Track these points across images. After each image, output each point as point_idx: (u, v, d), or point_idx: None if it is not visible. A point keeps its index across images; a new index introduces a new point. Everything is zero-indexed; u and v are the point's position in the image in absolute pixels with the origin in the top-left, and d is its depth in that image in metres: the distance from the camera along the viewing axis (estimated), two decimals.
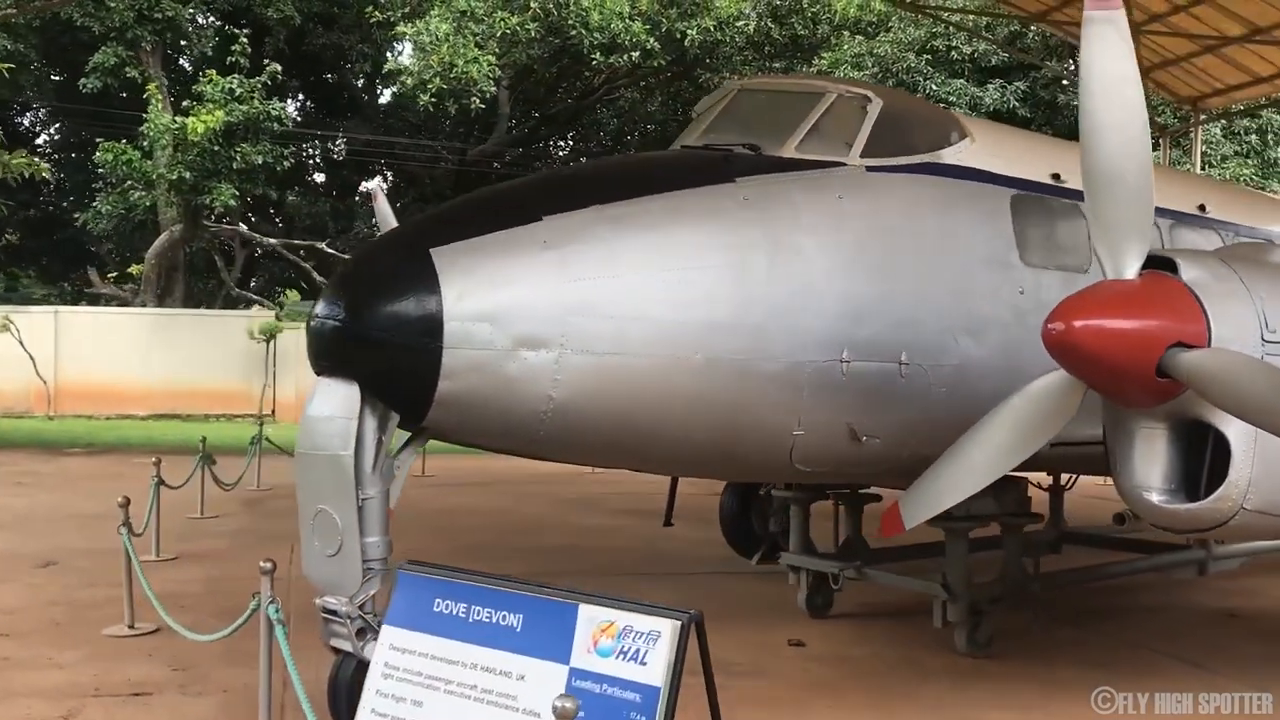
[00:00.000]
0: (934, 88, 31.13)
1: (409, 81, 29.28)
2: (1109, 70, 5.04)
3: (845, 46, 32.83)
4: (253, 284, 42.88)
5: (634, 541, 12.97)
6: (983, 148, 7.70)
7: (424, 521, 13.82)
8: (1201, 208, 8.77)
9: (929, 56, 31.63)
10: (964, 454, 5.60)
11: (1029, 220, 7.74)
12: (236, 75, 29.23)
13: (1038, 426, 5.35)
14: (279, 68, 29.34)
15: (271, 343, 31.09)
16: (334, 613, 5.68)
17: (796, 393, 6.47)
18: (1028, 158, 8.12)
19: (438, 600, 5.05)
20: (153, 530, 11.09)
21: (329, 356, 5.63)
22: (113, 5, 30.84)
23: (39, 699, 6.62)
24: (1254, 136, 32.07)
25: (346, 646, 5.67)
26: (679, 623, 4.30)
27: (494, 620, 4.83)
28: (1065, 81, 32.49)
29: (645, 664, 4.31)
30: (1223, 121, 30.29)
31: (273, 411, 31.42)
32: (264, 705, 5.89)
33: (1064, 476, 11.19)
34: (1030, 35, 31.13)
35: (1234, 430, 5.02)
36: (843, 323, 6.59)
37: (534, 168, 44.26)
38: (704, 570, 10.99)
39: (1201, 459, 5.23)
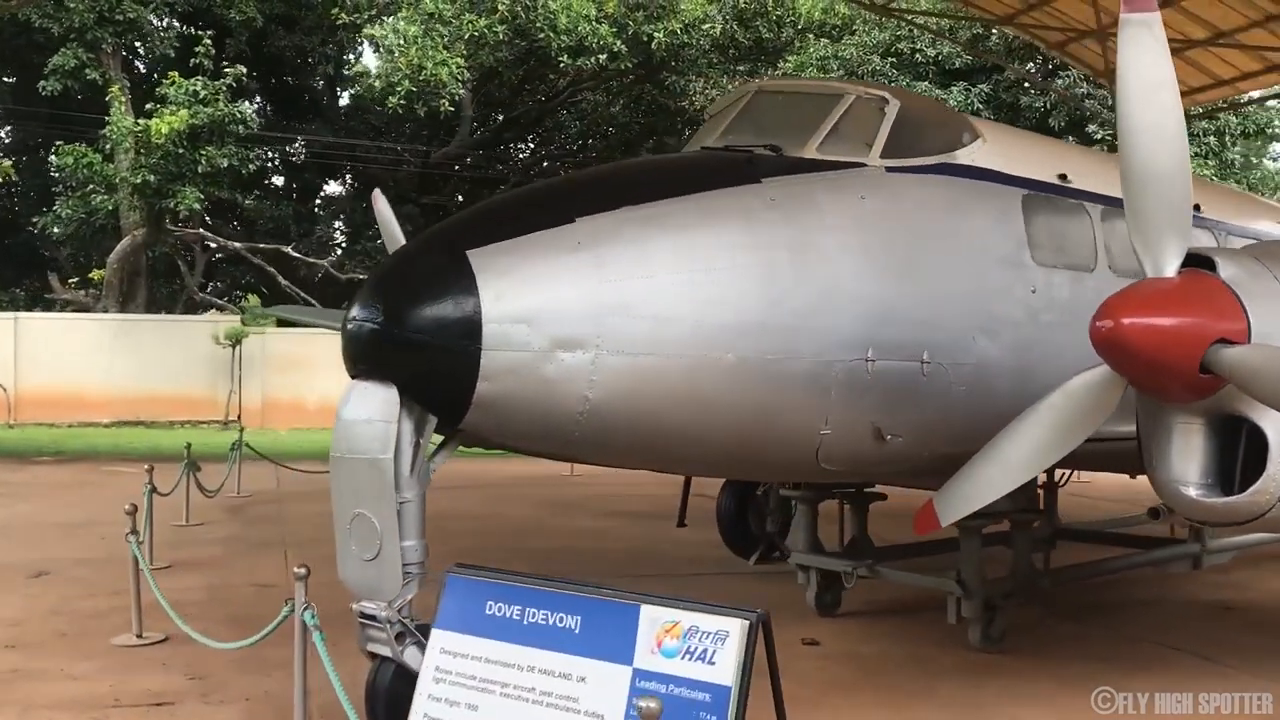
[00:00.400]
0: None
1: (376, 84, 29.09)
2: (1146, 73, 5.12)
3: (811, 49, 33.04)
4: (210, 289, 42.35)
5: (628, 543, 12.98)
6: (993, 148, 7.79)
7: (441, 525, 13.71)
8: (1197, 207, 8.90)
9: (894, 59, 31.95)
10: (1001, 451, 5.65)
11: (1038, 220, 7.84)
12: (200, 77, 28.90)
13: (1077, 423, 5.41)
14: (244, 70, 29.03)
15: (237, 348, 30.77)
16: (372, 617, 5.62)
17: (824, 392, 6.50)
18: (1036, 158, 8.23)
19: (490, 603, 5.03)
20: (145, 538, 10.96)
21: (367, 359, 5.58)
22: (72, 6, 30.37)
23: (61, 711, 6.52)
24: (1211, 138, 32.68)
25: (385, 651, 5.61)
26: (748, 622, 4.31)
27: (551, 622, 4.82)
28: (1026, 84, 32.97)
29: (714, 664, 4.32)
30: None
31: (239, 417, 31.09)
32: (299, 713, 5.85)
33: (1057, 473, 11.34)
34: (993, 38, 31.48)
35: (1272, 425, 5.13)
36: (868, 322, 6.63)
37: (496, 171, 44.23)
38: (704, 571, 11.01)
39: (1235, 453, 5.33)
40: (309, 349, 32.50)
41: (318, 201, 43.16)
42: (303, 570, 5.87)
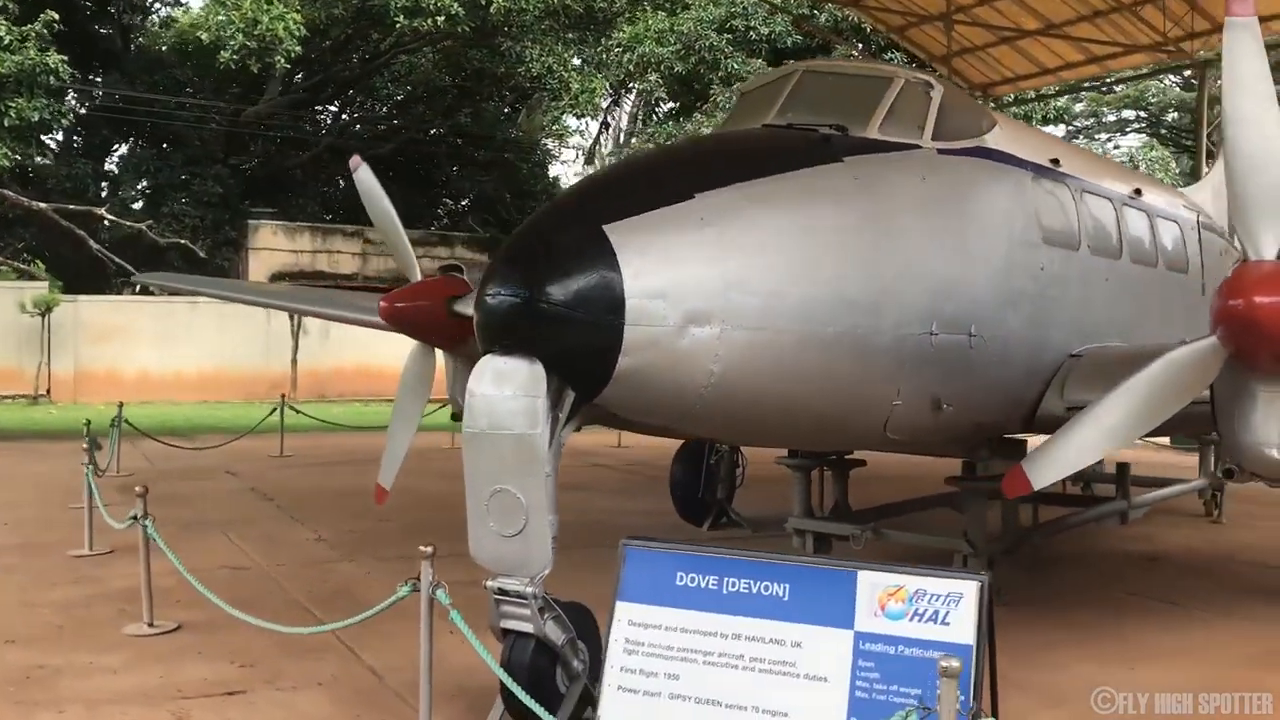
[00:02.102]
0: (735, 66, 32.17)
1: (204, 37, 27.51)
2: (1249, 69, 5.59)
3: (649, 21, 33.31)
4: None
5: (577, 515, 12.94)
6: (1004, 133, 8.27)
7: (342, 504, 13.35)
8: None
9: (729, 35, 32.61)
10: (1099, 418, 6.03)
11: (1043, 201, 8.37)
12: (2, 21, 26.62)
13: (1179, 390, 5.87)
14: (56, 16, 26.90)
15: (46, 317, 28.69)
16: (513, 593, 5.56)
17: (899, 364, 6.81)
18: (1034, 143, 8.77)
19: (680, 574, 5.10)
20: (82, 521, 10.30)
21: (512, 334, 5.47)
22: None
23: (130, 705, 6.14)
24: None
25: (526, 628, 5.56)
26: (981, 583, 4.56)
27: (755, 590, 4.93)
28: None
29: (948, 624, 4.55)
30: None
31: (48, 391, 29.06)
32: (425, 695, 5.75)
33: None
34: (821, 17, 32.59)
35: None
36: (933, 298, 6.98)
37: (305, 133, 42.59)
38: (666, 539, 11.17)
39: None
40: (126, 318, 30.77)
41: (116, 160, 40.40)
42: (429, 549, 5.78)
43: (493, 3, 31.34)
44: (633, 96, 45.67)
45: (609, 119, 47.16)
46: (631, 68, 33.91)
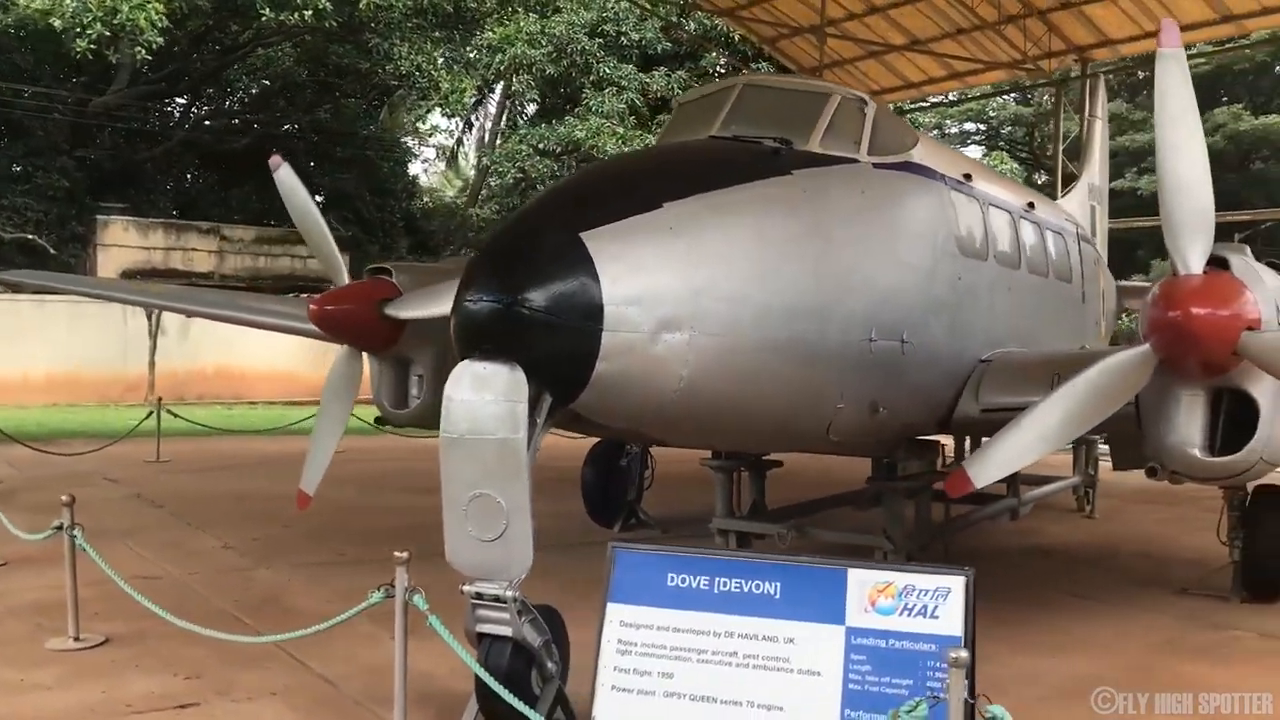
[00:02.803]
0: (607, 70, 32.41)
1: (56, 24, 26.25)
2: (1178, 100, 6.04)
3: (521, 22, 33.25)
4: None
5: None
6: (926, 149, 8.66)
7: (238, 510, 13.02)
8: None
9: (601, 39, 32.83)
10: (1038, 420, 6.39)
11: (959, 214, 8.80)
12: None
13: (1113, 395, 6.27)
14: None
15: None
16: (490, 597, 5.60)
17: (843, 369, 7.11)
18: (949, 158, 9.21)
19: (671, 575, 5.24)
20: None
21: (493, 339, 5.49)
22: None
23: None
24: None
25: (504, 631, 5.60)
26: (967, 578, 4.84)
27: (746, 590, 5.11)
28: (722, 70, 34.87)
29: (937, 617, 4.82)
30: None
31: None
32: (399, 696, 5.75)
33: None
34: (690, 25, 33.06)
35: (1264, 397, 6.28)
36: (872, 306, 7.31)
37: (154, 126, 41.00)
38: (580, 542, 11.28)
39: (1217, 421, 6.47)
40: None
41: None
42: (405, 555, 5.80)
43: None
44: (497, 96, 45.57)
45: (473, 119, 46.90)
46: (503, 69, 33.80)
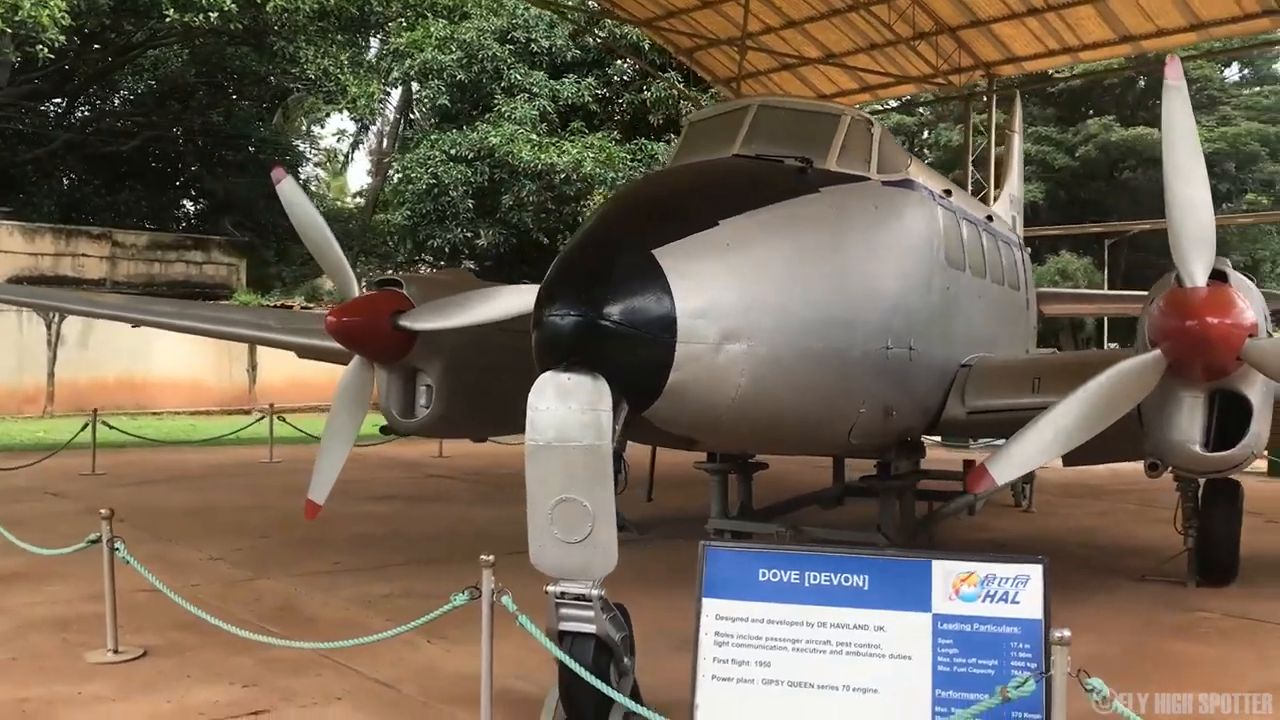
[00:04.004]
0: (518, 77, 32.54)
1: None
2: (1182, 124, 6.62)
3: (430, 27, 33.15)
4: None
5: (453, 525, 13.10)
6: (918, 167, 9.21)
7: (203, 522, 12.90)
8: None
9: (511, 46, 32.94)
10: (1055, 421, 6.88)
11: (946, 227, 9.36)
12: None
13: (1123, 397, 6.80)
14: None
15: None
16: (576, 596, 5.86)
17: (865, 376, 7.57)
18: (932, 176, 9.76)
19: (762, 570, 5.58)
20: None
21: (578, 351, 5.74)
22: None
23: None
24: None
25: (588, 628, 5.88)
26: (1044, 565, 5.31)
27: (836, 582, 5.49)
28: (628, 78, 35.28)
29: (1018, 602, 5.27)
30: None
31: None
32: (486, 698, 5.98)
33: None
34: (601, 34, 33.40)
35: (1256, 398, 6.93)
36: (889, 315, 7.79)
37: (40, 126, 39.61)
38: None
39: (1211, 420, 7.11)
40: None
41: None
42: (491, 558, 6.02)
43: (269, 1, 30.34)
44: (394, 102, 45.24)
45: (368, 124, 46.43)
46: (412, 74, 33.64)
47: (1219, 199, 47.90)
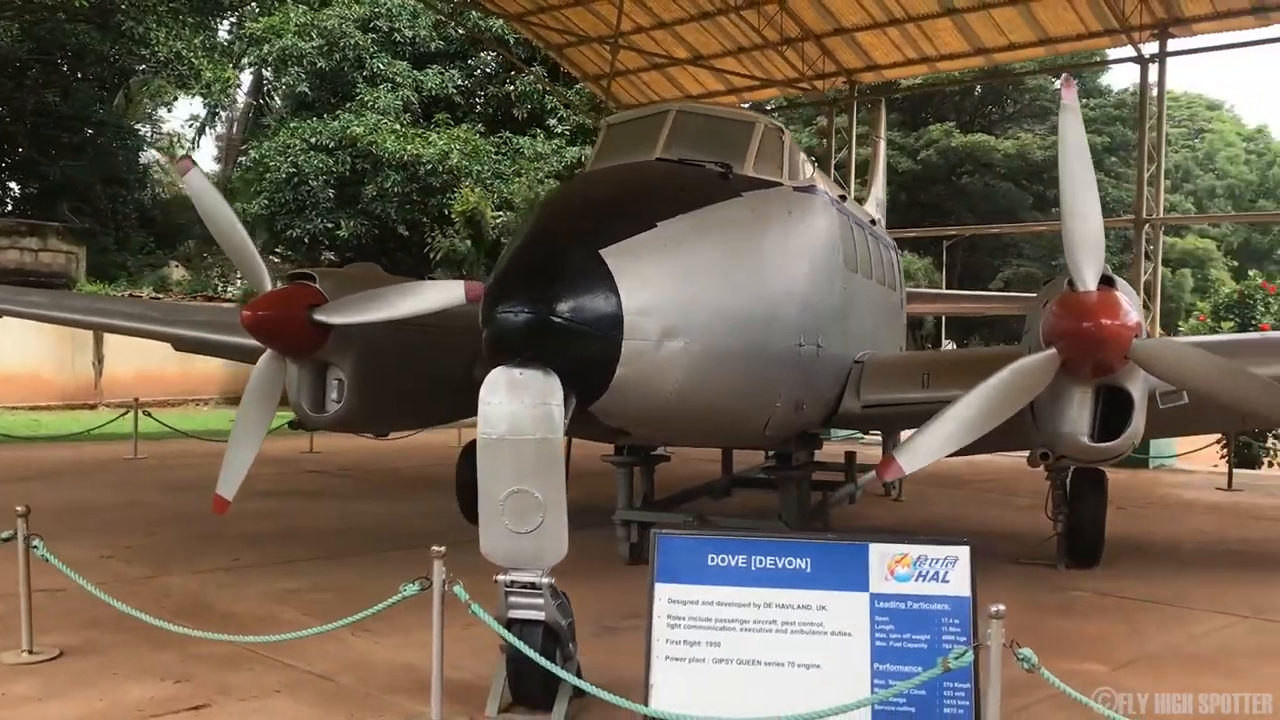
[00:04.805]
0: (381, 67, 32.11)
1: None
2: (1075, 141, 7.20)
3: (290, 13, 32.42)
4: None
5: (342, 519, 13.02)
6: (817, 174, 9.67)
7: (74, 521, 12.48)
8: (874, 221, 11.40)
9: (373, 35, 32.49)
10: (958, 414, 7.37)
11: (842, 231, 9.86)
12: None
13: (1021, 392, 7.34)
14: None
15: None
16: (525, 584, 6.07)
17: (781, 372, 7.98)
18: (827, 182, 10.25)
19: (711, 556, 5.89)
20: None
21: (530, 347, 5.94)
22: None
23: None
24: None
25: (537, 615, 6.11)
26: (970, 547, 5.77)
27: (780, 566, 5.83)
28: (492, 71, 35.20)
29: (948, 581, 5.71)
30: None
31: None
32: (436, 682, 6.12)
33: None
34: (466, 24, 33.24)
35: (1137, 393, 7.59)
36: (800, 314, 8.22)
37: None
38: (465, 539, 11.61)
39: (1096, 412, 7.75)
40: None
41: None
42: (441, 549, 6.18)
43: None
44: (244, 88, 44.00)
45: (219, 110, 45.02)
46: (270, 60, 32.85)
47: (1045, 205, 50.70)
